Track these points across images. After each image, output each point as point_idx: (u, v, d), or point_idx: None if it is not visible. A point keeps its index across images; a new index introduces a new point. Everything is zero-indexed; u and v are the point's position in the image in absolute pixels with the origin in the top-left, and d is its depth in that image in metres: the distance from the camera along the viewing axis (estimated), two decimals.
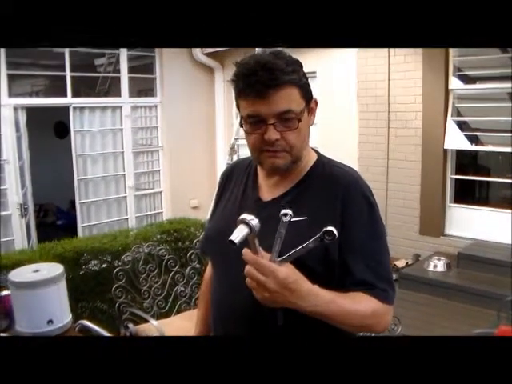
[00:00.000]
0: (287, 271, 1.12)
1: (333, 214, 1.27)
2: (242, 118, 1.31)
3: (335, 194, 1.30)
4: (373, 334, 2.36)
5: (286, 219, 1.10)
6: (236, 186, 1.49)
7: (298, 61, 1.31)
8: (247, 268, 1.12)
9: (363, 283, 1.25)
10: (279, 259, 1.13)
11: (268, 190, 1.40)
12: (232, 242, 1.06)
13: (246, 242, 1.10)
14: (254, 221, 1.08)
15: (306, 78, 1.32)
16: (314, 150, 1.44)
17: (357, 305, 1.22)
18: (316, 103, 1.37)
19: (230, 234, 1.09)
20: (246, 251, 1.11)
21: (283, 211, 1.10)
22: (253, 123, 1.28)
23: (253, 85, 1.22)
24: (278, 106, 1.24)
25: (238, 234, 1.07)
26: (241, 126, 1.33)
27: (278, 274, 1.10)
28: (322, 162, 1.40)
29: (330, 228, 1.09)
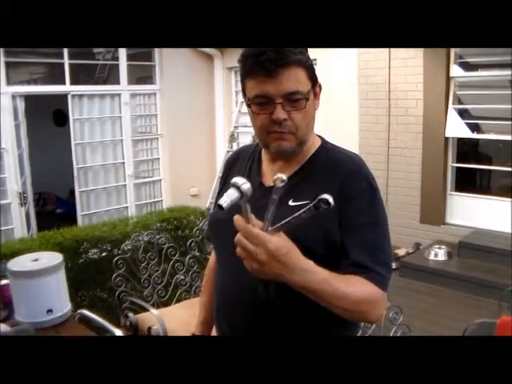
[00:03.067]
0: (279, 242, 1.07)
1: (333, 197, 1.25)
2: (248, 99, 1.31)
3: (337, 177, 1.29)
4: (369, 333, 2.37)
5: (279, 184, 1.05)
6: (240, 171, 1.48)
7: None
8: (237, 237, 1.07)
9: (359, 265, 1.23)
10: (271, 228, 1.08)
11: (271, 176, 1.38)
12: (220, 206, 1.01)
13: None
14: (246, 185, 1.03)
15: (312, 62, 1.32)
16: (319, 136, 1.43)
17: (352, 287, 1.18)
18: (320, 87, 1.37)
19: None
20: (237, 218, 1.07)
21: (277, 175, 1.05)
22: (260, 104, 1.28)
23: (261, 63, 1.22)
24: (285, 86, 1.24)
25: (228, 198, 1.02)
26: (248, 106, 1.32)
27: (268, 245, 1.05)
28: (326, 148, 1.40)
29: (326, 196, 1.04)
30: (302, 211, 1.06)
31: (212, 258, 1.67)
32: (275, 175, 1.37)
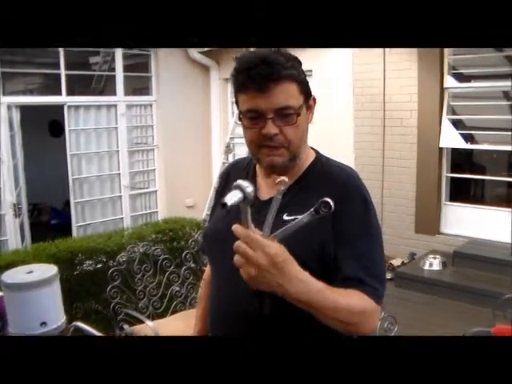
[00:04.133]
0: (278, 248, 1.08)
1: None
2: (240, 113, 1.31)
3: (332, 190, 1.28)
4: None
5: (283, 187, 1.07)
6: None
7: (296, 58, 1.32)
8: (237, 243, 1.07)
9: (353, 279, 1.23)
10: (271, 235, 1.09)
11: (266, 189, 1.39)
12: (224, 204, 1.01)
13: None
14: (249, 188, 1.04)
15: (305, 75, 1.32)
16: (313, 149, 1.43)
17: (347, 299, 1.18)
18: (314, 101, 1.37)
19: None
20: (236, 226, 1.07)
21: (281, 178, 1.07)
22: (252, 118, 1.28)
23: (253, 78, 1.22)
24: (277, 101, 1.24)
25: (232, 197, 1.02)
26: (239, 119, 1.32)
27: (268, 249, 1.06)
28: (321, 161, 1.40)
29: (327, 199, 1.05)
30: (302, 216, 1.08)
31: (207, 270, 1.67)
32: (269, 189, 1.38)
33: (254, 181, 1.44)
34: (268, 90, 1.23)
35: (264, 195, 1.38)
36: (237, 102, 1.34)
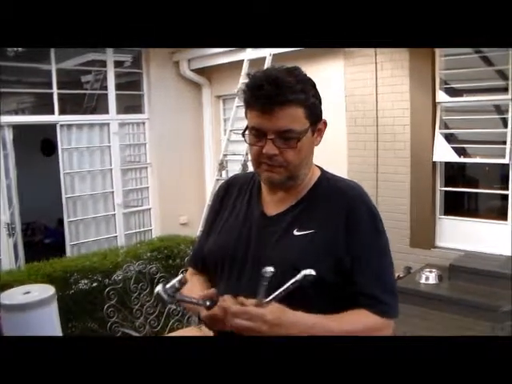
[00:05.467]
0: (273, 311, 1.17)
1: (338, 226, 1.30)
2: (247, 128, 1.34)
3: (340, 206, 1.33)
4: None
5: (267, 275, 1.18)
6: (238, 200, 1.49)
7: (310, 79, 1.33)
8: (237, 321, 1.16)
9: (366, 296, 1.28)
10: (265, 300, 1.19)
11: (272, 205, 1.41)
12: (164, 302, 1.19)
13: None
14: (163, 286, 1.19)
15: (317, 98, 1.33)
16: (318, 167, 1.45)
17: (344, 325, 1.24)
18: (325, 124, 1.39)
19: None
20: (229, 306, 1.18)
21: (264, 269, 1.18)
22: (255, 136, 1.31)
23: (258, 98, 1.25)
24: (279, 123, 1.25)
25: (165, 302, 1.20)
26: (242, 135, 1.35)
27: (266, 317, 1.16)
28: (326, 178, 1.42)
29: (308, 271, 1.16)
30: (289, 283, 1.18)
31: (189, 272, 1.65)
32: (276, 205, 1.41)
33: (259, 196, 1.46)
34: (271, 112, 1.24)
35: (271, 211, 1.40)
36: (246, 117, 1.36)
